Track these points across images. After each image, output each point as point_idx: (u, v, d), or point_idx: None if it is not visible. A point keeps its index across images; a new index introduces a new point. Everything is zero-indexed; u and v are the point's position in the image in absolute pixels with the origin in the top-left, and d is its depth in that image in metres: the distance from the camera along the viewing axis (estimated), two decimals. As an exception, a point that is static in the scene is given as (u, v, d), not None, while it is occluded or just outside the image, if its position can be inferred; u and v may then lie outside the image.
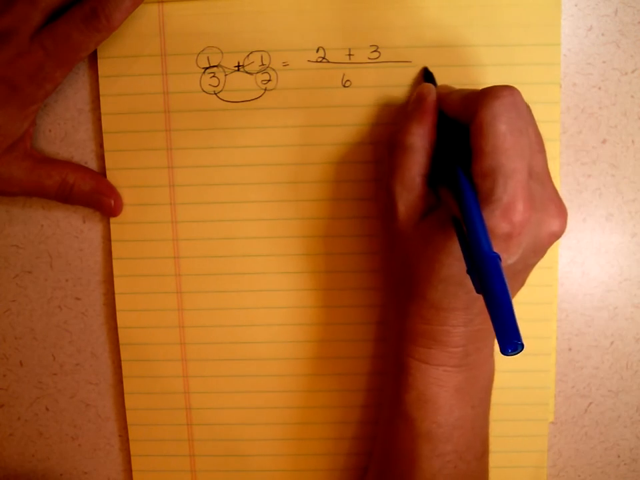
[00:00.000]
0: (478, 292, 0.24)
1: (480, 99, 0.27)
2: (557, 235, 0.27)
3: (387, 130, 0.34)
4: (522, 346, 0.22)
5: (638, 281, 0.36)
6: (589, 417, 0.37)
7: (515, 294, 0.30)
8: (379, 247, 0.35)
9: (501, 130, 0.25)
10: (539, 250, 0.28)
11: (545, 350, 0.35)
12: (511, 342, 0.22)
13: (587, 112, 0.34)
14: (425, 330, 0.29)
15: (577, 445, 0.37)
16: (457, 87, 0.32)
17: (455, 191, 0.27)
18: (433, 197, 0.29)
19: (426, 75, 0.33)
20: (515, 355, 0.23)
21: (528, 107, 0.28)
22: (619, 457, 0.38)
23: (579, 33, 0.34)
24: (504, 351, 0.22)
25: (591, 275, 0.36)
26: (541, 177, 0.27)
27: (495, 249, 0.25)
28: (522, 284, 0.30)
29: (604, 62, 0.34)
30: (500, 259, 0.24)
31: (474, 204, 0.26)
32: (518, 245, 0.26)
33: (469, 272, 0.24)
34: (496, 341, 0.29)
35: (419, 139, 0.29)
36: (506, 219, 0.25)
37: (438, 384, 0.29)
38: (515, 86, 0.33)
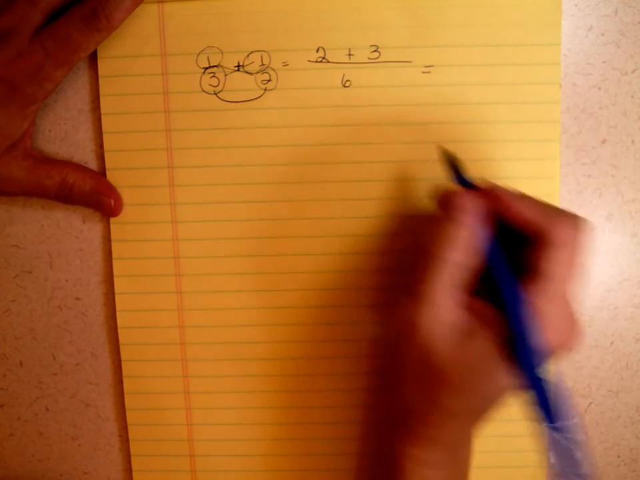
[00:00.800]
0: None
1: (556, 223, 0.27)
2: (571, 347, 0.28)
3: (390, 131, 0.34)
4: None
5: (638, 281, 0.36)
6: (588, 417, 0.37)
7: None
8: (379, 247, 0.35)
9: (566, 256, 0.27)
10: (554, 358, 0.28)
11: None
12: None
13: (587, 112, 0.34)
14: (430, 434, 0.28)
15: (577, 445, 0.37)
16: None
17: (502, 305, 0.27)
18: (467, 307, 0.28)
19: (450, 163, 0.30)
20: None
21: None
22: (618, 457, 0.38)
23: (579, 33, 0.34)
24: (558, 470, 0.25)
25: (591, 274, 0.36)
26: (572, 295, 0.28)
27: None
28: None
29: (604, 62, 0.34)
30: (547, 384, 0.26)
31: (528, 329, 0.26)
32: (549, 357, 0.27)
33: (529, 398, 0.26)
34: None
35: (459, 253, 0.27)
36: (546, 337, 0.26)
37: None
38: (515, 86, 0.33)
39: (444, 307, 0.27)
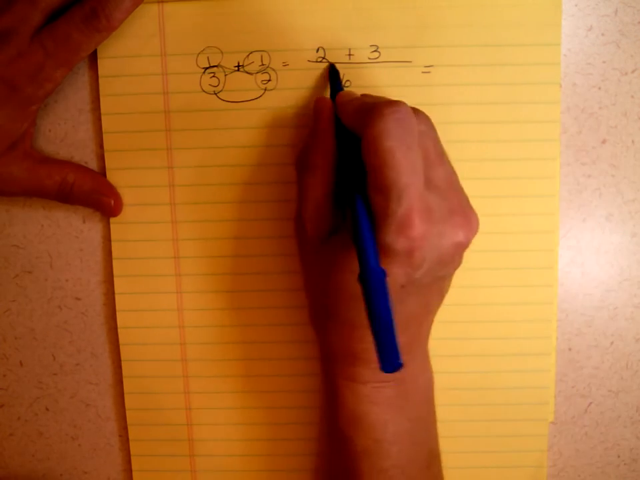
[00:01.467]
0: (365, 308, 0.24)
1: (367, 116, 0.26)
2: (462, 245, 0.27)
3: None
4: (401, 365, 0.23)
5: (638, 281, 0.36)
6: (588, 417, 0.37)
7: (436, 306, 0.30)
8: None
9: (387, 147, 0.25)
10: (445, 261, 0.27)
11: (545, 350, 0.35)
12: (390, 362, 0.23)
13: (587, 112, 0.34)
14: (345, 349, 0.29)
15: (577, 445, 0.37)
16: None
17: (351, 207, 0.27)
18: (339, 216, 0.29)
19: (331, 72, 0.32)
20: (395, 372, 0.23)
21: (423, 116, 0.27)
22: (618, 457, 0.38)
23: (579, 33, 0.34)
24: (383, 369, 0.23)
25: (591, 275, 0.36)
26: (441, 189, 0.27)
27: (397, 265, 0.25)
28: (441, 295, 0.30)
29: (604, 62, 0.34)
30: (384, 275, 0.24)
31: (365, 220, 0.26)
32: (420, 258, 0.25)
33: (362, 291, 0.24)
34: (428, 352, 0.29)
35: (319, 158, 0.29)
36: (402, 233, 0.25)
37: (368, 401, 0.29)
38: (515, 86, 0.33)
39: (320, 215, 0.29)
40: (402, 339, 0.24)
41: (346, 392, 0.29)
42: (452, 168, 0.28)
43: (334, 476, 0.31)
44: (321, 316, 0.30)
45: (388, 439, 0.29)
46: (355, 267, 0.26)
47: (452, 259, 0.27)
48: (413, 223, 0.25)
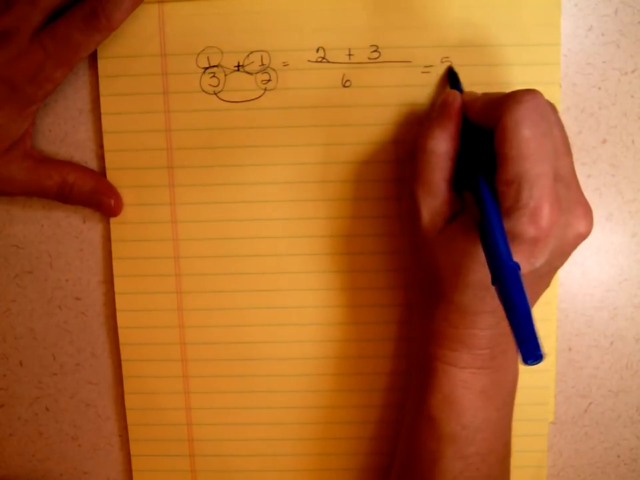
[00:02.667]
0: (500, 302, 0.24)
1: (502, 105, 0.27)
2: (583, 236, 0.28)
3: (390, 130, 0.34)
4: (542, 357, 0.23)
5: (638, 281, 0.36)
6: (588, 416, 0.37)
7: (539, 296, 0.30)
8: (374, 246, 0.35)
9: (524, 135, 0.26)
10: (565, 252, 0.28)
11: (544, 350, 0.35)
12: (532, 353, 0.23)
13: (587, 112, 0.34)
14: (451, 333, 0.29)
15: (577, 445, 0.37)
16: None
17: (477, 198, 0.27)
18: (457, 202, 0.29)
19: (450, 75, 0.33)
20: (535, 364, 0.23)
21: (553, 107, 0.28)
22: (618, 457, 0.38)
23: (579, 33, 0.34)
24: (525, 361, 0.23)
25: (591, 275, 0.36)
26: (566, 180, 0.27)
27: (521, 254, 0.25)
28: (547, 285, 0.30)
29: (604, 62, 0.34)
30: (519, 269, 0.24)
31: (495, 213, 0.26)
32: (545, 248, 0.26)
33: (493, 283, 0.25)
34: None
35: (443, 144, 0.29)
36: (533, 224, 0.25)
37: (464, 386, 0.29)
38: (515, 86, 0.33)
39: (439, 199, 0.29)
40: (508, 328, 0.24)
41: (442, 376, 0.30)
42: (572, 159, 0.28)
43: (412, 460, 0.31)
44: (428, 299, 0.30)
45: (476, 425, 0.30)
46: (477, 254, 0.26)
47: (570, 250, 0.28)
48: (544, 213, 0.25)
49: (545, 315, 0.35)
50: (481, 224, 0.27)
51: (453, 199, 0.29)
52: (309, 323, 0.35)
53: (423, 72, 0.33)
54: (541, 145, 0.26)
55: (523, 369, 0.35)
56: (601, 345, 0.36)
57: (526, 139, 0.26)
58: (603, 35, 0.34)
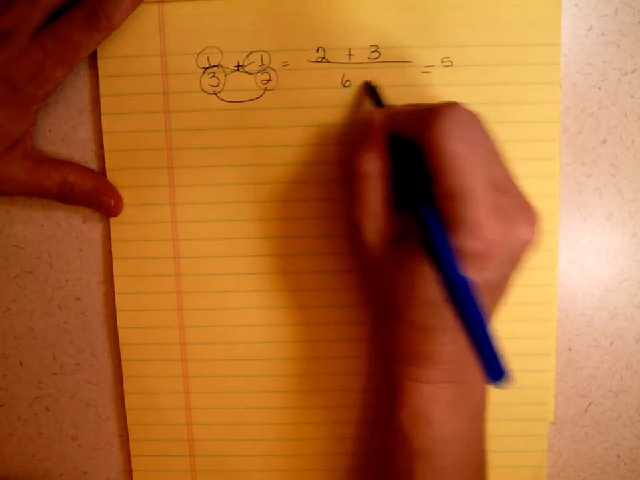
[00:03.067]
0: (456, 319, 0.24)
1: (425, 119, 0.26)
2: (529, 242, 0.27)
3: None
4: (505, 374, 0.22)
5: (638, 281, 0.36)
6: (588, 416, 0.37)
7: (498, 306, 0.30)
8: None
9: (450, 149, 0.25)
10: (514, 260, 0.27)
11: (545, 350, 0.35)
12: (494, 370, 0.22)
13: (587, 112, 0.34)
14: (414, 351, 0.29)
15: (577, 445, 0.37)
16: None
17: (418, 215, 0.27)
18: (400, 221, 0.29)
19: (369, 90, 0.33)
20: (503, 384, 0.22)
21: (477, 117, 0.27)
22: (618, 457, 0.38)
23: (579, 33, 0.34)
24: (490, 380, 0.22)
25: (591, 275, 0.36)
26: (504, 187, 0.27)
27: (471, 268, 0.25)
28: (504, 294, 0.30)
29: (604, 62, 0.34)
30: (469, 282, 0.24)
31: (438, 230, 0.25)
32: (493, 260, 0.25)
33: (446, 300, 0.24)
34: None
35: (372, 165, 0.29)
36: (476, 237, 0.25)
37: (432, 400, 0.29)
38: (515, 86, 0.33)
39: (378, 222, 0.29)
40: None
41: (410, 391, 0.29)
42: (507, 165, 0.28)
43: (386, 476, 0.31)
44: (387, 318, 0.30)
45: (446, 438, 0.29)
46: (427, 272, 0.26)
47: (519, 257, 0.27)
48: (486, 225, 0.25)
49: (544, 314, 0.35)
50: (426, 242, 0.26)
51: (394, 218, 0.29)
52: (309, 322, 0.35)
53: (423, 72, 0.33)
54: (469, 156, 0.25)
55: (523, 368, 0.35)
56: (600, 345, 0.36)
57: (452, 153, 0.25)
58: (602, 35, 0.34)
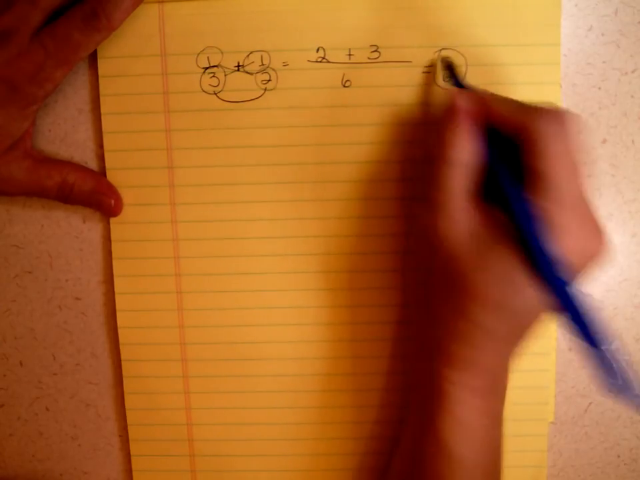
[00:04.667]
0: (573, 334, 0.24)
1: (536, 119, 0.26)
2: (598, 258, 0.27)
3: (390, 131, 0.34)
4: (630, 384, 0.22)
5: (638, 281, 0.36)
6: (588, 416, 0.37)
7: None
8: (374, 246, 0.35)
9: (558, 154, 0.26)
10: (579, 272, 0.27)
11: (545, 350, 0.35)
12: (626, 389, 0.22)
13: (587, 112, 0.34)
14: (468, 354, 0.28)
15: (577, 445, 0.37)
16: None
17: (511, 214, 0.26)
18: (485, 215, 0.28)
19: (448, 68, 0.32)
20: (630, 398, 0.22)
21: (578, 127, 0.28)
22: (618, 457, 0.38)
23: (579, 33, 0.34)
24: (629, 397, 0.22)
25: (591, 275, 0.36)
26: (586, 199, 0.27)
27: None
28: None
29: (604, 62, 0.34)
30: (580, 293, 0.24)
31: (542, 237, 0.25)
32: (575, 271, 0.26)
33: (559, 312, 0.24)
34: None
35: (463, 153, 0.28)
36: (565, 245, 0.25)
37: (476, 410, 0.28)
38: (515, 86, 0.33)
39: (460, 211, 0.28)
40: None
41: (454, 398, 0.28)
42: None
43: (418, 477, 0.30)
44: (442, 314, 0.29)
45: (485, 447, 0.29)
46: (514, 277, 0.26)
47: (584, 270, 0.27)
48: (574, 231, 0.25)
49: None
50: (525, 246, 0.25)
51: (476, 212, 0.28)
52: (309, 322, 0.35)
53: (423, 72, 0.33)
54: (571, 164, 0.26)
55: (523, 368, 0.35)
56: (600, 345, 0.36)
57: (558, 157, 0.25)
58: (602, 34, 0.34)
